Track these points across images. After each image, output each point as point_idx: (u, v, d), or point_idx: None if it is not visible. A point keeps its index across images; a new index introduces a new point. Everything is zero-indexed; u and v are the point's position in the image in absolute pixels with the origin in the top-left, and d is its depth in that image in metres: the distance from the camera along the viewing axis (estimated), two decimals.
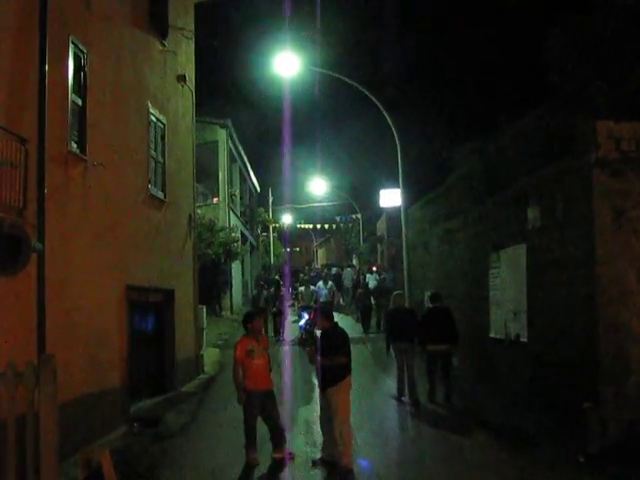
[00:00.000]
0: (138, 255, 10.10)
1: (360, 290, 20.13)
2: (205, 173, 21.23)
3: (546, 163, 8.61)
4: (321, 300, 15.38)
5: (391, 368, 10.93)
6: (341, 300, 25.39)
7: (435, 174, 15.84)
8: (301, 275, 19.38)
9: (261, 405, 7.08)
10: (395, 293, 11.10)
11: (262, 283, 20.45)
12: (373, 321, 18.58)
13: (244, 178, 29.62)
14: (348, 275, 26.74)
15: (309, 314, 14.40)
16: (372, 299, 19.64)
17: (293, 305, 19.32)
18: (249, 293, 27.15)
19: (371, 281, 21.81)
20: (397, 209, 18.37)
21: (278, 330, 17.49)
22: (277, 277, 24.81)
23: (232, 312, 21.98)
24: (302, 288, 17.65)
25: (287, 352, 13.90)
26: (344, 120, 30.59)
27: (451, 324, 9.98)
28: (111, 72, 9.36)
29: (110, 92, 9.27)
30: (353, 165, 29.52)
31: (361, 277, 24.28)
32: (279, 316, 17.48)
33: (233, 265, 21.78)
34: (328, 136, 32.42)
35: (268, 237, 39.68)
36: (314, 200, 40.06)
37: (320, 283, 18.69)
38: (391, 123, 14.47)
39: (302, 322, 15.58)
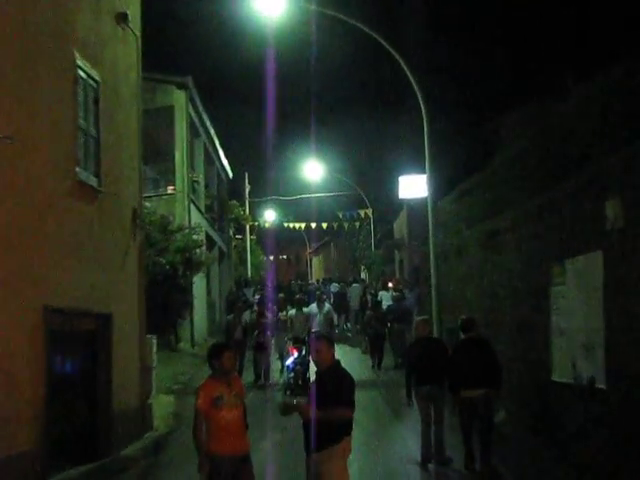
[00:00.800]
0: (60, 265, 9.60)
1: (369, 312, 19.45)
2: (156, 151, 20.38)
3: (636, 137, 8.29)
4: (313, 331, 14.41)
5: (413, 422, 10.68)
6: (345, 326, 24.80)
7: (474, 155, 15.63)
8: (297, 295, 18.58)
9: (231, 477, 6.72)
10: (419, 319, 10.94)
11: (240, 305, 19.57)
12: (389, 359, 18.11)
13: (211, 159, 28.20)
14: (355, 293, 25.57)
15: (300, 349, 14.38)
16: (387, 325, 18.99)
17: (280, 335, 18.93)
18: (218, 318, 26.05)
19: (385, 300, 20.84)
20: (422, 202, 17.75)
21: (260, 372, 16.91)
22: (258, 295, 24.01)
23: (193, 345, 20.93)
24: (292, 311, 17.01)
25: (272, 402, 13.17)
26: (349, 82, 28.73)
27: (490, 361, 9.68)
28: (17, 6, 8.88)
29: (17, 36, 8.79)
30: (361, 143, 27.37)
31: (369, 296, 23.43)
32: (261, 352, 16.80)
33: (195, 279, 20.82)
34: (327, 103, 29.92)
35: (244, 241, 38.17)
36: (307, 190, 38.87)
37: (313, 306, 17.91)
38: (415, 86, 14.16)
39: (290, 360, 15.24)
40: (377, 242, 37.64)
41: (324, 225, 38.86)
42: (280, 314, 17.84)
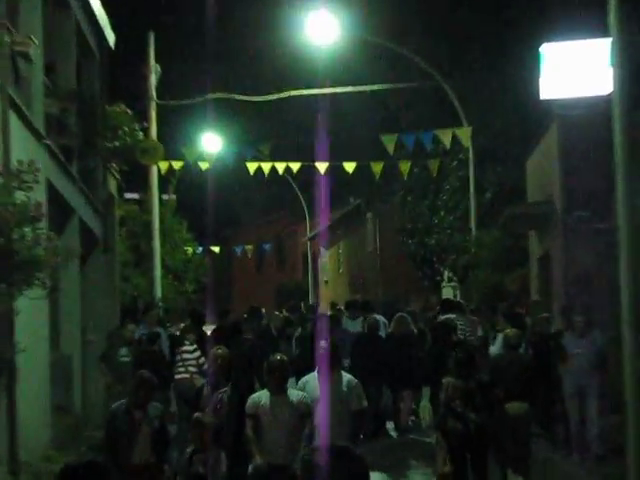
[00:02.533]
0: None
1: (450, 380, 9.86)
2: None
3: None
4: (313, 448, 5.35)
5: None
6: (422, 419, 14.13)
7: None
8: (276, 358, 8.90)
9: None
10: None
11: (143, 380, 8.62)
12: None
13: (63, 2, 14.50)
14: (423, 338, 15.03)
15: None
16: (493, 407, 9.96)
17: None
18: (80, 398, 14.59)
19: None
20: (598, 116, 10.50)
21: None
22: (191, 348, 13.87)
23: (15, 471, 9.70)
24: (264, 397, 7.71)
25: None
26: None
27: None
28: None
29: None
30: None
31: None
32: None
33: (21, 304, 10.39)
34: None
35: (146, 206, 21.20)
36: (306, 82, 21.59)
37: (311, 380, 8.71)
38: None
39: None
40: (482, 214, 20.85)
41: (348, 167, 20.03)
42: (221, 397, 9.16)
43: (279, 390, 8.51)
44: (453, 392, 9.85)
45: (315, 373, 9.27)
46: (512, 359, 11.07)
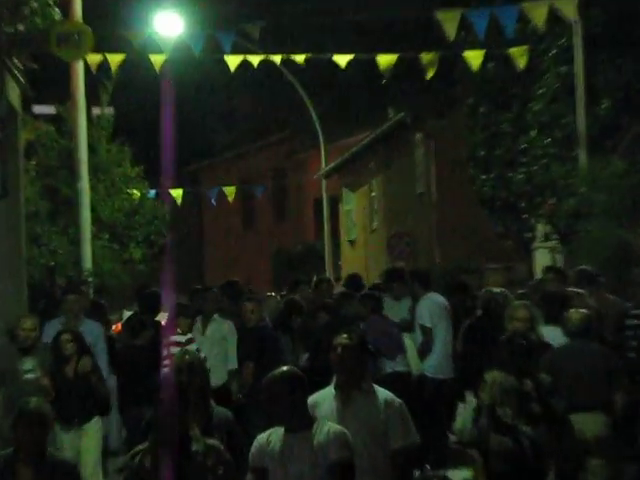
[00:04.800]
0: None
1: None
2: None
3: None
4: None
5: None
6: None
7: None
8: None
9: None
10: None
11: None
12: None
13: None
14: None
15: None
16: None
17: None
18: None
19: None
20: None
21: None
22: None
23: None
24: (275, 434, 8.55)
25: None
26: None
27: None
28: None
29: None
30: None
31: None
32: None
33: None
34: None
35: (65, 128, 23.32)
36: None
37: (324, 397, 9.29)
38: None
39: None
40: (596, 134, 21.98)
41: (384, 61, 21.10)
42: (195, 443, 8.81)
43: (295, 424, 8.39)
44: (501, 395, 11.07)
45: (332, 389, 9.22)
46: (579, 351, 12.51)
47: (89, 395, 13.91)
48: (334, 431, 8.93)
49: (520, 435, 10.90)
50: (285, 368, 9.16)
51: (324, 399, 9.68)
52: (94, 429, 14.23)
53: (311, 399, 9.47)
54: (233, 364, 15.98)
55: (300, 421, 8.68)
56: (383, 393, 9.69)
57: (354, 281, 20.09)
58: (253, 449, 8.94)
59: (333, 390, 9.66)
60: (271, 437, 8.75)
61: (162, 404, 8.20)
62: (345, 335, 9.75)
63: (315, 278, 21.57)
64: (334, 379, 9.68)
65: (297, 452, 8.71)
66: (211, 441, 8.34)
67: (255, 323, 15.96)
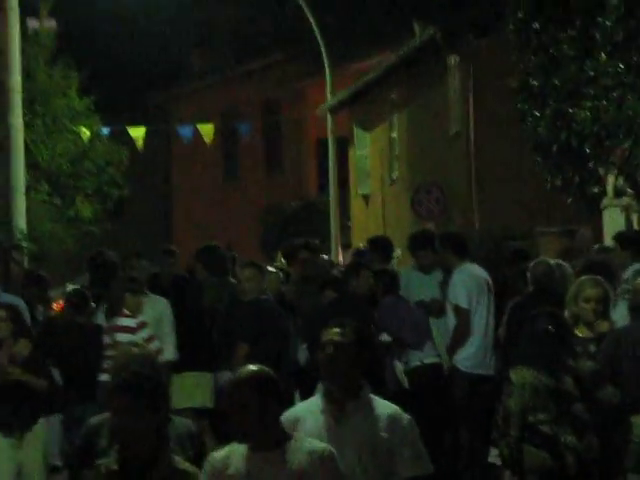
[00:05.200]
0: None
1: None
2: None
3: None
4: None
5: None
6: None
7: None
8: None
9: None
10: None
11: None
12: None
13: None
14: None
15: None
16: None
17: None
18: None
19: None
20: None
21: None
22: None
23: None
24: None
25: None
26: None
27: None
28: None
29: None
30: None
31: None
32: None
33: None
34: None
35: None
36: None
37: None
38: None
39: None
40: None
41: None
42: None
43: (263, 441, 8.23)
44: (534, 398, 11.55)
45: (318, 400, 9.38)
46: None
47: (29, 392, 14.45)
48: (318, 450, 8.95)
49: (561, 448, 11.83)
50: (254, 367, 8.96)
51: (309, 413, 9.86)
52: (38, 437, 14.75)
53: (291, 413, 9.76)
54: (170, 354, 16.23)
55: (270, 437, 8.79)
56: (386, 406, 9.82)
57: (382, 245, 19.75)
58: (205, 473, 8.99)
59: (320, 401, 9.78)
60: (230, 458, 8.90)
61: (114, 412, 8.30)
62: (337, 329, 9.74)
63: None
64: (320, 387, 9.82)
65: (266, 478, 8.87)
66: (180, 465, 8.56)
67: (255, 296, 15.96)
